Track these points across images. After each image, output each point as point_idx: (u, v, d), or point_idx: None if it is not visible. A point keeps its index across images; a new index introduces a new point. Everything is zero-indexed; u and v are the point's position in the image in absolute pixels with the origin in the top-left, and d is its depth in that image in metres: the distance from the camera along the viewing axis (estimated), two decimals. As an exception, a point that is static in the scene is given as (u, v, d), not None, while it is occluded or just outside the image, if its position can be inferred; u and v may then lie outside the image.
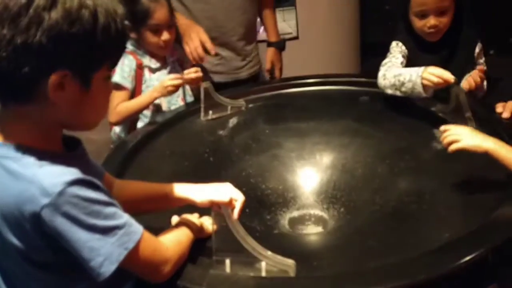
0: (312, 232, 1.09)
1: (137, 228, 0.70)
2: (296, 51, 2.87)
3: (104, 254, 0.65)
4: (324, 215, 1.14)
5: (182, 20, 1.51)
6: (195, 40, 1.47)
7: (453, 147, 0.93)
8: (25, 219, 0.64)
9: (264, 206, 1.14)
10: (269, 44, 1.84)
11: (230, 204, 0.81)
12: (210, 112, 1.35)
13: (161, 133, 1.31)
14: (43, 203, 0.62)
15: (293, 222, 1.13)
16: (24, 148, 0.66)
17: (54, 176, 0.64)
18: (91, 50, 0.65)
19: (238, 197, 0.84)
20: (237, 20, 1.63)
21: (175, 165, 1.20)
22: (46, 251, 0.67)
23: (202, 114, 1.34)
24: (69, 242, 0.64)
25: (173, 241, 0.77)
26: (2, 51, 0.62)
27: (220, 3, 1.58)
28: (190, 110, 1.38)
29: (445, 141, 0.95)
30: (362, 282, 0.70)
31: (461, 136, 0.93)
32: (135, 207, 0.86)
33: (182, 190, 0.87)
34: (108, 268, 0.65)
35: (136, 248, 0.68)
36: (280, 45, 1.84)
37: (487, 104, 1.21)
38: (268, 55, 1.83)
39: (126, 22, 0.70)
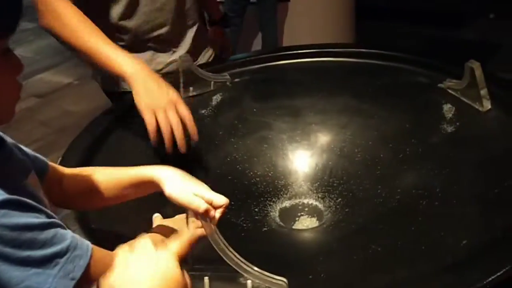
0: (306, 227, 0.98)
1: (84, 250, 0.56)
2: (287, 15, 2.72)
3: None
4: (319, 205, 1.03)
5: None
6: (174, 115, 0.98)
7: None
8: None
9: (252, 196, 1.03)
10: (212, 22, 1.54)
11: (206, 214, 0.67)
12: (191, 88, 1.19)
13: (134, 113, 1.16)
14: None
15: (285, 213, 1.02)
16: None
17: None
18: None
19: (219, 202, 0.69)
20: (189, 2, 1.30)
21: (151, 149, 1.06)
22: None
23: (181, 90, 1.19)
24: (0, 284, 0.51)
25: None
26: None
27: None
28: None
29: None
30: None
31: None
32: (94, 199, 0.75)
33: (151, 173, 0.72)
34: None
35: (85, 275, 0.54)
36: (225, 23, 1.57)
37: (505, 81, 1.07)
38: (213, 36, 1.51)
39: None
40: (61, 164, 0.83)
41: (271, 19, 2.65)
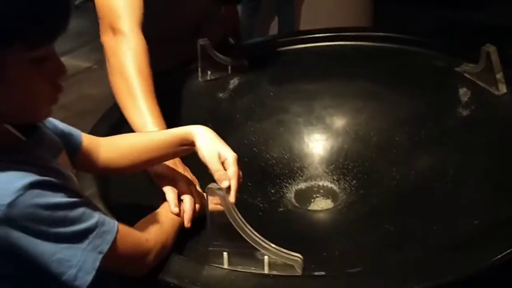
0: (321, 208, 1.00)
1: (111, 226, 0.60)
2: (305, -1, 2.69)
3: (77, 264, 0.56)
4: (334, 187, 1.05)
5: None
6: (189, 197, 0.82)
7: None
8: None
9: (268, 178, 1.05)
10: (225, 1, 1.51)
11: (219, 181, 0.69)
12: (209, 72, 1.21)
13: (157, 96, 1.19)
14: None
15: (300, 195, 1.03)
16: None
17: (1, 184, 0.52)
18: None
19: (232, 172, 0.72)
20: None
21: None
22: (5, 265, 0.57)
23: (199, 74, 1.22)
24: (33, 257, 0.55)
25: (154, 230, 0.68)
26: None
27: None
28: (187, 70, 1.25)
29: None
30: (379, 285, 0.60)
31: None
32: (132, 163, 0.77)
33: (185, 131, 0.76)
34: (84, 280, 0.56)
35: (112, 248, 0.58)
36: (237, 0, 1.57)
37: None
38: (226, 14, 1.50)
39: None
40: None
41: (288, 4, 2.64)
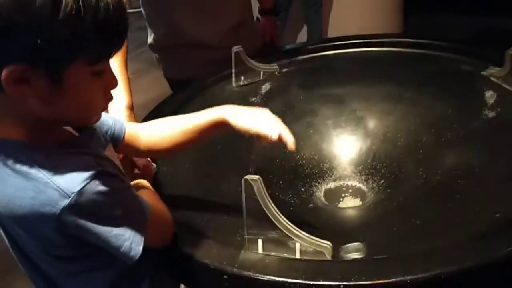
0: (350, 205, 1.04)
1: (145, 203, 0.69)
2: (334, 9, 2.73)
3: (129, 237, 0.64)
4: (363, 187, 1.08)
5: None
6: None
7: None
8: (43, 222, 0.61)
9: (299, 177, 1.10)
10: (264, 12, 1.62)
11: (278, 139, 0.76)
12: (242, 77, 1.28)
13: (193, 101, 1.26)
14: (63, 206, 0.59)
15: (329, 194, 1.08)
16: (23, 144, 0.61)
17: (69, 174, 0.59)
18: (49, 43, 0.53)
19: (279, 128, 0.78)
20: None
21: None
22: (67, 247, 0.65)
23: (233, 80, 1.28)
24: (94, 237, 0.63)
25: (162, 204, 0.78)
26: None
27: None
28: (222, 76, 1.32)
29: None
30: (404, 269, 0.64)
31: None
32: (172, 145, 0.85)
33: (218, 114, 0.82)
34: (136, 250, 0.65)
35: (149, 223, 0.67)
36: (275, 12, 1.64)
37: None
38: (264, 25, 1.60)
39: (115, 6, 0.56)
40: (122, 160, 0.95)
41: (316, 12, 2.68)
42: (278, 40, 1.76)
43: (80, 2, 0.53)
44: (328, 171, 1.12)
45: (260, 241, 0.73)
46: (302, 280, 0.65)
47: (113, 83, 0.65)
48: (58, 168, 0.59)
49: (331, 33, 2.74)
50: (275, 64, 1.32)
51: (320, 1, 2.67)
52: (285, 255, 0.72)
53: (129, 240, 0.63)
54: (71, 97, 0.60)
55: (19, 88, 0.57)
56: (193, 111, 1.19)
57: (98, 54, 0.60)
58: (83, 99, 0.62)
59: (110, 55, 0.62)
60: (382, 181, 1.06)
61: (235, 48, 1.26)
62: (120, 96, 1.07)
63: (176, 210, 0.81)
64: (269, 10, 1.65)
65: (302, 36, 2.88)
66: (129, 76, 1.16)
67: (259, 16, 1.65)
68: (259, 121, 0.79)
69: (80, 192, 0.59)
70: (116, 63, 1.05)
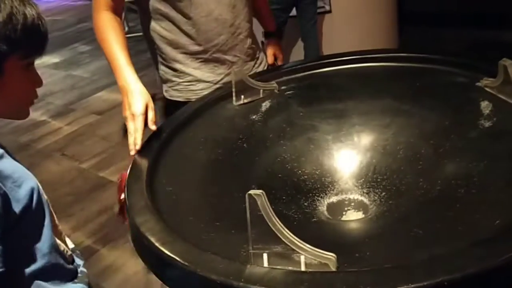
0: (353, 218, 1.05)
1: None
2: (329, 25, 2.78)
3: None
4: (365, 200, 1.10)
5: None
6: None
7: None
8: None
9: (301, 192, 1.11)
10: (268, 34, 1.71)
11: None
12: (242, 96, 1.31)
13: (194, 120, 1.28)
14: None
15: (332, 208, 1.09)
16: None
17: None
18: None
19: None
20: (242, 14, 1.43)
21: (210, 152, 1.17)
22: None
23: (234, 99, 1.31)
24: None
25: None
26: None
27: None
28: (222, 95, 1.34)
29: None
30: (408, 277, 0.65)
31: None
32: None
33: None
34: None
35: None
36: (279, 34, 1.72)
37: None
38: (269, 47, 1.68)
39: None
40: (128, 179, 1.01)
41: (311, 30, 2.73)
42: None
43: (14, 8, 0.76)
44: (330, 185, 1.13)
45: (265, 255, 0.75)
46: (308, 291, 0.66)
47: (39, 80, 0.86)
48: None
49: (327, 51, 2.78)
50: (274, 82, 1.35)
51: (315, 20, 2.72)
52: (291, 268, 0.73)
53: None
54: (8, 89, 0.78)
55: None
56: (194, 130, 1.24)
57: (26, 51, 0.81)
58: (17, 89, 0.81)
59: (36, 53, 0.83)
60: (383, 193, 1.07)
61: (235, 67, 1.29)
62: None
63: (182, 228, 0.83)
64: (273, 33, 1.71)
65: (298, 55, 2.92)
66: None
67: (264, 40, 1.70)
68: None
69: None
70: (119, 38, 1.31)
